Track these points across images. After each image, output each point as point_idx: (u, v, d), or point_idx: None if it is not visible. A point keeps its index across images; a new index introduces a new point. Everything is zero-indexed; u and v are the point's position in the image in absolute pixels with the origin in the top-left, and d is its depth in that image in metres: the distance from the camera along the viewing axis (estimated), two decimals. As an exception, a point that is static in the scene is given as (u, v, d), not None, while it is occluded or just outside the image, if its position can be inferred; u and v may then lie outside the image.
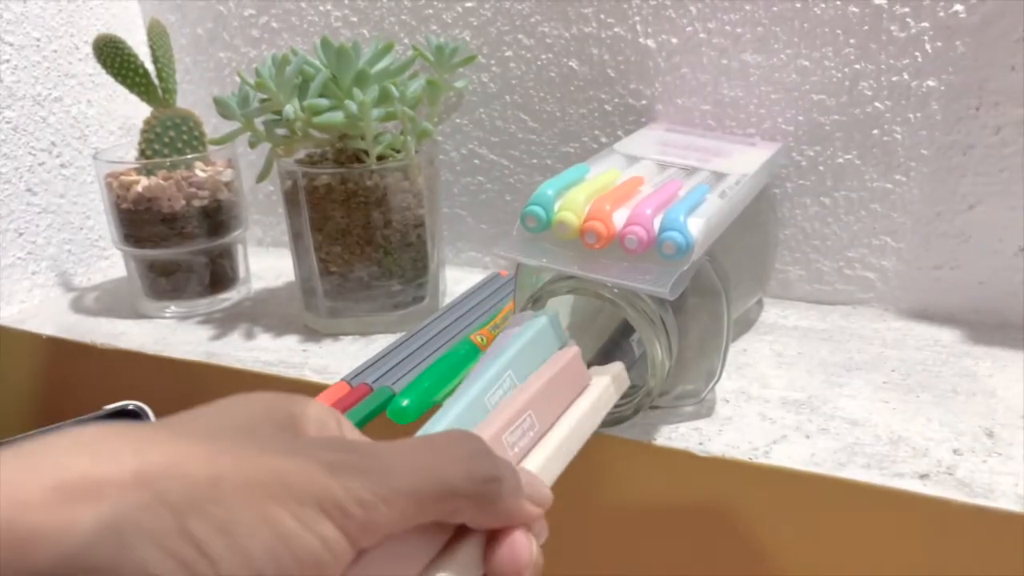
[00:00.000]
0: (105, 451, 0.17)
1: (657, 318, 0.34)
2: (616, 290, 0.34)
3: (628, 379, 0.34)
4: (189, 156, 0.53)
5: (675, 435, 0.37)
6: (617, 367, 0.33)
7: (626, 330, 0.38)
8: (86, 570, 0.15)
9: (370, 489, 0.19)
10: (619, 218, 0.34)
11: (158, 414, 0.40)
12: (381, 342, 0.48)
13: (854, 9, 0.45)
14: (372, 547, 0.20)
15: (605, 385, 0.32)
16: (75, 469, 0.16)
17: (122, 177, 0.52)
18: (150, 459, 0.17)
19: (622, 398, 0.36)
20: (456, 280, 0.58)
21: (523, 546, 0.23)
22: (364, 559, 0.20)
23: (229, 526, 0.17)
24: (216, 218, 0.54)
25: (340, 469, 0.19)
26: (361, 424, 0.39)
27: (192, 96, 0.64)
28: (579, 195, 0.35)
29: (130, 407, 0.41)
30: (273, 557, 0.17)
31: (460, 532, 0.23)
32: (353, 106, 0.45)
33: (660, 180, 0.40)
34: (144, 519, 0.16)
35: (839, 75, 0.47)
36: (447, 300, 0.53)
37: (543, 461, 0.27)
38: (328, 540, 0.18)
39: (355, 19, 0.58)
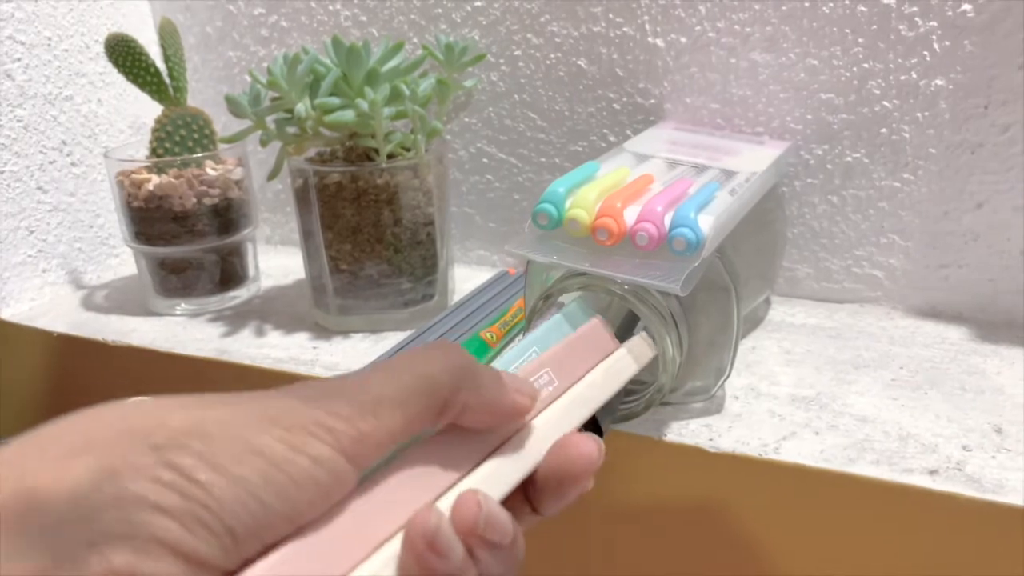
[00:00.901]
0: (91, 419, 0.19)
1: (668, 314, 0.34)
2: (627, 286, 0.34)
3: (653, 348, 0.33)
4: (200, 155, 0.54)
5: (685, 431, 0.37)
6: (635, 339, 0.33)
7: (630, 324, 0.38)
8: (96, 509, 0.17)
9: (350, 403, 0.20)
10: (630, 215, 0.34)
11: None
12: (391, 339, 0.49)
13: (863, 8, 0.45)
14: (373, 457, 0.21)
15: (621, 354, 0.32)
16: (64, 436, 0.18)
17: (133, 175, 0.53)
18: (133, 420, 0.19)
19: (632, 395, 0.36)
20: (464, 278, 0.58)
21: (589, 444, 0.25)
22: (394, 472, 0.21)
23: (213, 456, 0.18)
24: (226, 216, 0.54)
25: (319, 395, 0.20)
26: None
27: (201, 95, 0.65)
28: (590, 193, 0.35)
29: (142, 403, 0.41)
30: (268, 481, 0.18)
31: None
32: (364, 105, 0.45)
33: (670, 178, 0.40)
34: (131, 458, 0.18)
35: (847, 74, 0.47)
36: (456, 298, 0.54)
37: (556, 411, 0.27)
38: (321, 460, 0.19)
39: (364, 18, 0.58)
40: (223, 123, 0.63)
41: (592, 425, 0.33)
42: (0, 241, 0.55)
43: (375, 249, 0.49)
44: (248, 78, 0.48)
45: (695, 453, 0.37)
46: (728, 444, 0.36)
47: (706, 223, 0.33)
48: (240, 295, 0.57)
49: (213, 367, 0.48)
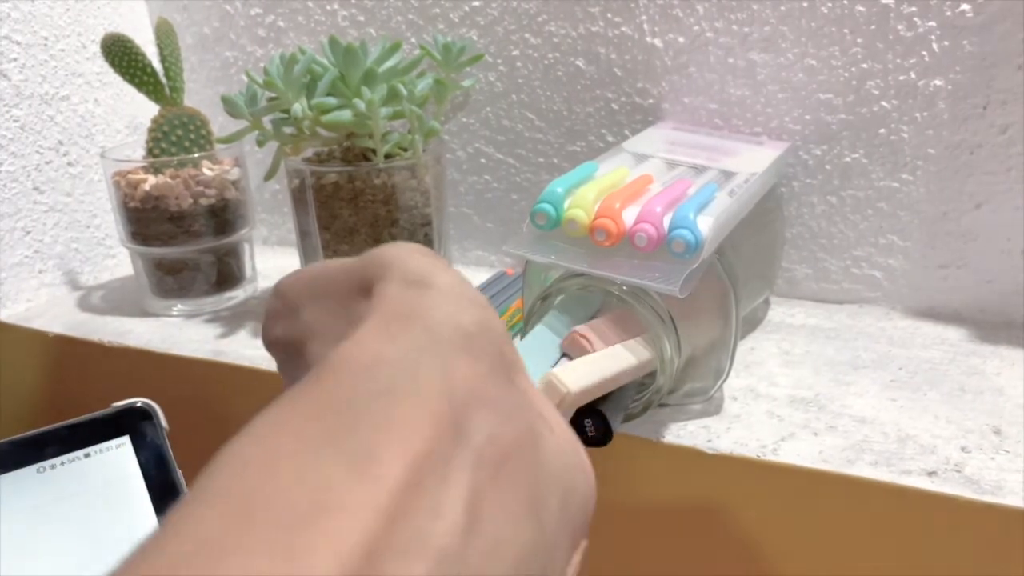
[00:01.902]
0: None
1: (666, 315, 0.34)
2: (625, 287, 0.34)
3: (658, 345, 0.35)
4: (196, 155, 0.53)
5: (683, 432, 0.37)
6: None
7: None
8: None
9: None
10: (629, 216, 0.34)
11: (167, 412, 0.40)
12: (388, 340, 0.49)
13: (861, 8, 0.45)
14: None
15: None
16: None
17: (130, 176, 0.52)
18: None
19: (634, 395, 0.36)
20: (462, 279, 0.58)
21: None
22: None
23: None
24: (223, 216, 0.54)
25: None
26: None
27: (198, 95, 0.65)
28: (589, 193, 0.35)
29: (138, 404, 0.41)
30: None
31: None
32: (361, 105, 0.45)
33: (669, 178, 0.40)
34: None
35: (846, 74, 0.47)
36: (454, 299, 0.53)
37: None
38: None
39: (362, 18, 0.58)
40: (220, 123, 0.62)
41: (602, 423, 0.33)
42: (-4, 242, 0.55)
43: (372, 250, 0.49)
44: (244, 78, 0.48)
45: (693, 454, 0.36)
46: (726, 445, 0.36)
47: (705, 225, 0.33)
48: (237, 296, 0.57)
49: (210, 368, 0.48)
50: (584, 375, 0.30)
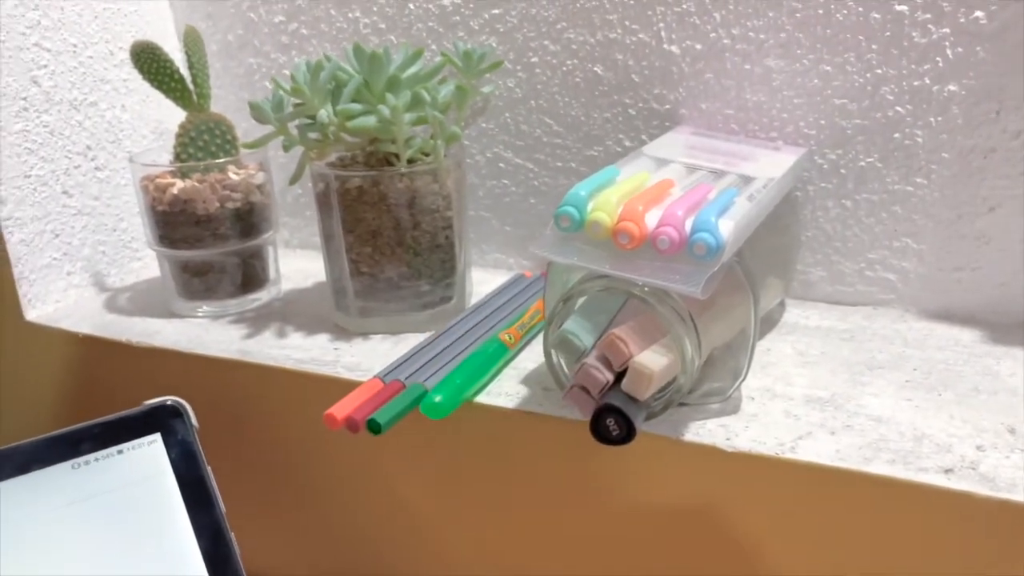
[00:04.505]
0: None
1: (687, 316, 0.35)
2: (646, 288, 0.35)
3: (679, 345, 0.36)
4: (223, 159, 0.55)
5: (703, 431, 0.38)
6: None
7: None
8: None
9: None
10: (651, 219, 0.35)
11: (195, 410, 0.42)
12: (410, 341, 0.50)
13: (876, 15, 0.46)
14: None
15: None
16: None
17: (158, 180, 0.54)
18: None
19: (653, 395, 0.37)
20: (481, 281, 0.59)
21: None
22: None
23: None
24: (249, 220, 0.55)
25: None
26: (395, 419, 0.40)
27: (222, 101, 0.66)
28: (611, 196, 0.36)
29: (169, 403, 0.42)
30: None
31: None
32: (386, 111, 0.46)
33: (689, 183, 0.41)
34: None
35: (861, 80, 0.48)
36: (473, 300, 0.54)
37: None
38: None
39: (383, 26, 0.59)
40: (243, 129, 0.63)
41: (625, 422, 0.34)
42: (27, 244, 0.56)
43: (395, 252, 0.50)
44: (268, 84, 0.49)
45: (712, 452, 0.37)
46: (745, 444, 0.37)
47: (726, 228, 0.34)
48: (261, 297, 0.58)
49: (236, 367, 0.49)
50: (657, 360, 0.34)
